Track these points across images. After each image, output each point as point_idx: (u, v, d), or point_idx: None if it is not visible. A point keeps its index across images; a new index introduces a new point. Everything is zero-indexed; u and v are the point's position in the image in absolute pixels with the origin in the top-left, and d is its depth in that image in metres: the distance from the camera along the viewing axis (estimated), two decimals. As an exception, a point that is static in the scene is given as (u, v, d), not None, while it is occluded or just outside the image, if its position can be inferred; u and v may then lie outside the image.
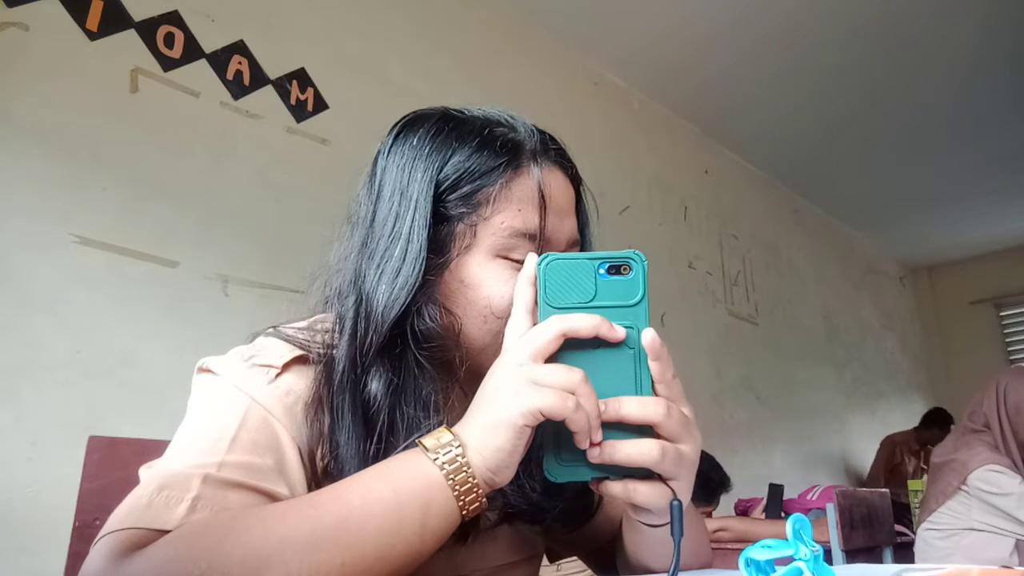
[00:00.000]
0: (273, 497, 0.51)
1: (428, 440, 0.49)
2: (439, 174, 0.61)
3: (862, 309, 4.86)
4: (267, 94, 1.89)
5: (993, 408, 1.96)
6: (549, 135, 0.66)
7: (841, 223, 4.78)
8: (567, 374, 0.47)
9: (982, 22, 2.83)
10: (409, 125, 0.66)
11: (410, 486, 0.47)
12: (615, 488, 0.49)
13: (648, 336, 0.48)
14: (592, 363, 0.47)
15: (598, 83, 3.07)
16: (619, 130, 3.12)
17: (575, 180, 0.67)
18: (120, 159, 1.59)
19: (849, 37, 2.91)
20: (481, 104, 0.69)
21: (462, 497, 0.47)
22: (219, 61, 1.81)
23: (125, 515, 0.47)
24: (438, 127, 0.64)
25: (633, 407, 0.47)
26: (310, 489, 0.55)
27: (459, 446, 0.48)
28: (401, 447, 0.55)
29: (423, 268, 0.59)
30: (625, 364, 0.48)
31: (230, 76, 1.82)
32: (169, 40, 1.73)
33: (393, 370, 0.58)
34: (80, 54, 1.58)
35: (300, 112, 1.95)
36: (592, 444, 0.47)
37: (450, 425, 0.51)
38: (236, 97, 1.83)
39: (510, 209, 0.60)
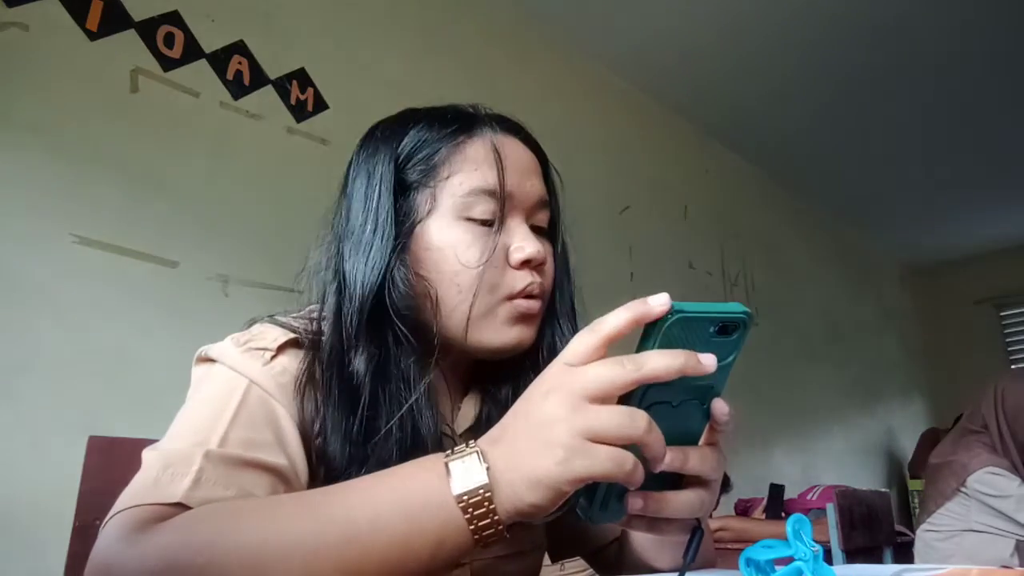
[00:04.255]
0: (274, 469, 0.53)
1: (456, 468, 0.43)
2: (398, 147, 0.65)
3: (862, 309, 4.86)
4: (267, 94, 1.89)
5: (991, 410, 1.96)
6: (507, 115, 0.70)
7: (841, 223, 4.78)
8: (631, 424, 0.41)
9: (983, 22, 2.83)
10: (375, 126, 0.70)
11: (424, 525, 0.43)
12: (642, 526, 0.47)
13: (719, 409, 0.45)
14: (664, 408, 0.43)
15: (598, 83, 3.07)
16: (619, 130, 3.12)
17: (538, 153, 0.69)
18: (120, 159, 1.59)
19: (850, 37, 2.91)
20: (482, 105, 0.71)
21: (480, 531, 0.43)
22: (219, 61, 1.81)
23: (134, 494, 0.48)
24: (399, 116, 0.69)
25: (696, 461, 0.45)
26: (309, 462, 0.57)
27: (490, 491, 0.42)
28: (384, 423, 0.57)
29: (393, 237, 0.62)
30: (693, 413, 0.45)
31: (230, 76, 1.82)
32: (169, 40, 1.73)
33: (376, 346, 0.60)
34: (80, 54, 1.57)
35: (300, 112, 1.95)
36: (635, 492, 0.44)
37: (430, 398, 0.55)
38: (236, 97, 1.82)
39: (466, 169, 0.63)
